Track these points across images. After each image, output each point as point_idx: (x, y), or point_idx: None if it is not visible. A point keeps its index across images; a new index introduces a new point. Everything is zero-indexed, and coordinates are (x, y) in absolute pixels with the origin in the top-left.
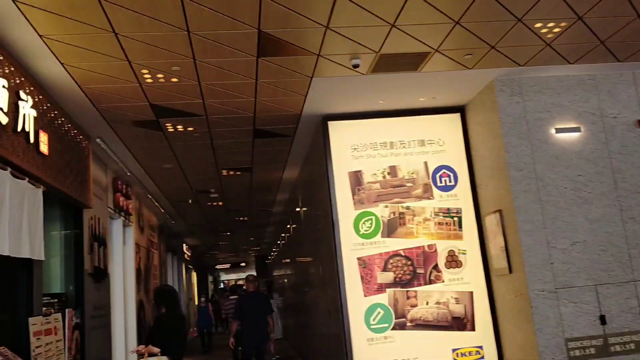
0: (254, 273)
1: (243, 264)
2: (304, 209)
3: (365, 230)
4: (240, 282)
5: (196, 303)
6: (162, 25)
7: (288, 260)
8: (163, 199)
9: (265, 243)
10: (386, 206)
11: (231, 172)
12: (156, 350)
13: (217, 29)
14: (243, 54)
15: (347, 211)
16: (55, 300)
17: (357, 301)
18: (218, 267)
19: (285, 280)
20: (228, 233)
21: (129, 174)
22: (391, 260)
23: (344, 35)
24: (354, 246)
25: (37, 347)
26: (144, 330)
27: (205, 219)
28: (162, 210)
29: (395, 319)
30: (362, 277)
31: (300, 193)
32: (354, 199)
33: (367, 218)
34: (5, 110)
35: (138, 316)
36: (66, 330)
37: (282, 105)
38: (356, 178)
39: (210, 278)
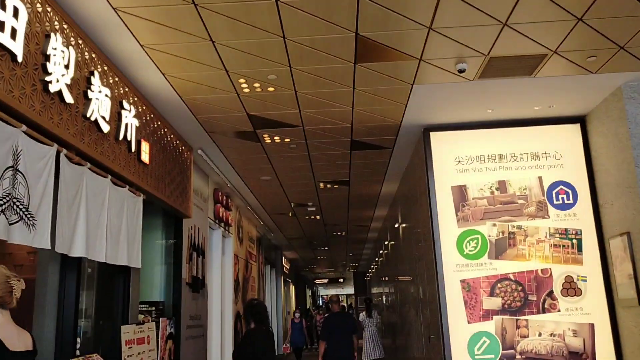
0: (352, 289)
1: (341, 280)
2: (403, 225)
3: (470, 251)
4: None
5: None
6: (258, 32)
7: (386, 279)
8: (262, 211)
9: (364, 259)
10: (494, 224)
11: (328, 185)
12: None
13: (312, 34)
14: (340, 60)
15: (450, 229)
16: (153, 308)
17: (459, 328)
18: (317, 281)
19: (384, 299)
20: (326, 248)
21: (229, 185)
22: (499, 285)
23: (449, 37)
24: (457, 267)
25: (129, 356)
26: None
27: (303, 233)
28: (262, 223)
29: (503, 350)
30: (465, 302)
31: (400, 209)
32: (457, 215)
33: (472, 237)
34: (108, 118)
35: (235, 327)
36: (159, 340)
37: (380, 114)
38: (460, 193)
39: (308, 292)
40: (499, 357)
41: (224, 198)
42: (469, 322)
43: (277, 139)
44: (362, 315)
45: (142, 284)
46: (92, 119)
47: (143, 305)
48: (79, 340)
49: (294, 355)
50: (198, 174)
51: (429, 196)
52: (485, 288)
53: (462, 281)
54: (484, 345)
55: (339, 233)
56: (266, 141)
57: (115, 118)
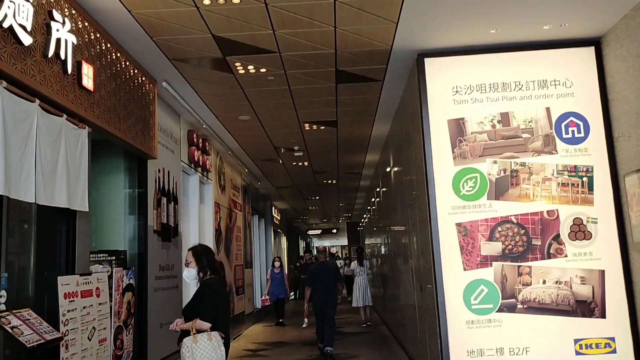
0: (346, 240)
1: (334, 231)
2: (395, 169)
3: (468, 191)
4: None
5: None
6: None
7: (378, 227)
8: (245, 156)
9: (357, 209)
10: (495, 162)
11: (314, 127)
12: (206, 325)
13: None
14: None
15: (446, 167)
16: (113, 258)
17: (455, 276)
18: (310, 233)
19: (376, 248)
20: (317, 197)
21: (205, 126)
22: (499, 228)
23: None
24: (452, 209)
25: (69, 311)
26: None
27: (292, 181)
28: (246, 170)
29: (503, 299)
30: (462, 247)
31: (392, 152)
32: (454, 152)
33: (470, 176)
34: (30, 29)
35: None
36: (114, 292)
37: (368, 37)
38: (458, 127)
39: (302, 244)
40: (498, 306)
41: (201, 141)
42: (465, 270)
43: (251, 68)
44: (354, 264)
45: (103, 232)
46: (5, 25)
47: (101, 255)
48: (3, 293)
49: (274, 308)
50: (166, 112)
51: (423, 131)
52: (483, 232)
53: (458, 225)
54: (482, 294)
55: (330, 181)
56: (239, 71)
57: (43, 30)
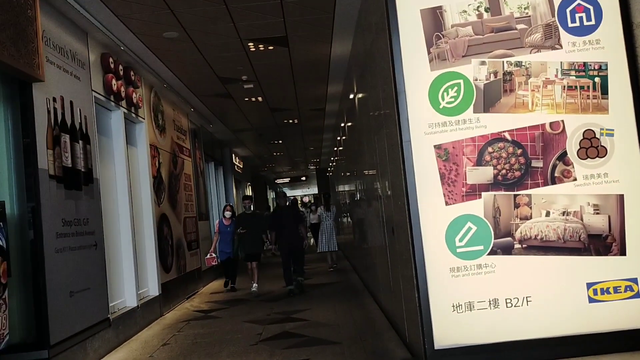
0: (316, 188)
1: (304, 178)
2: (360, 95)
3: (449, 103)
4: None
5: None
6: None
7: (346, 169)
8: (186, 91)
9: (325, 153)
10: (483, 62)
11: (261, 47)
12: None
13: None
14: None
15: (420, 74)
16: None
17: (435, 213)
18: (278, 181)
19: (346, 193)
20: (280, 141)
21: (123, 48)
22: (490, 149)
23: None
24: (429, 128)
25: None
26: (168, 248)
27: (249, 123)
28: (192, 110)
29: (496, 238)
30: (442, 176)
31: (355, 77)
32: (430, 53)
33: (451, 83)
34: None
35: (159, 232)
36: None
37: None
38: (434, 19)
39: (272, 194)
40: (489, 247)
41: (122, 68)
42: (447, 204)
43: None
44: (320, 210)
45: None
46: None
47: None
48: None
49: (224, 269)
50: (63, 26)
51: (389, 27)
52: (470, 155)
53: (437, 147)
54: (469, 233)
55: (291, 121)
56: None
57: None
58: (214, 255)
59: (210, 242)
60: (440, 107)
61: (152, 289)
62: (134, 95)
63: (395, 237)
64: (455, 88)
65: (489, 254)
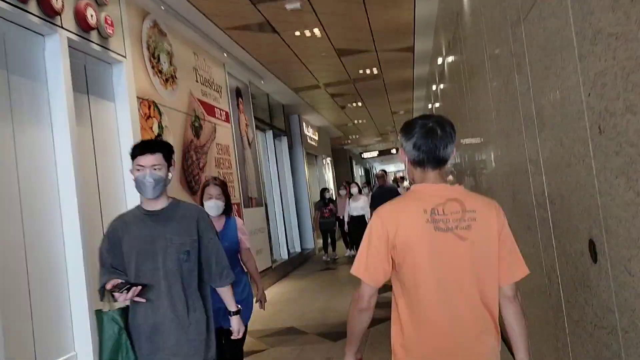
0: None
1: (394, 151)
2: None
3: None
4: (399, 175)
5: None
6: None
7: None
8: (203, 20)
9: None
10: None
11: None
12: None
13: None
14: None
15: None
16: None
17: None
18: (364, 156)
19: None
20: (359, 103)
21: None
22: None
23: None
24: None
25: None
26: None
27: (313, 76)
28: (225, 54)
29: None
30: None
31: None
32: None
33: None
34: None
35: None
36: None
37: None
38: None
39: (359, 171)
40: None
41: None
42: None
43: None
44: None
45: None
46: None
47: None
48: None
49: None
50: None
51: None
52: None
53: None
54: None
55: (369, 71)
56: None
57: None
58: None
59: (266, 235)
60: None
61: None
62: (84, 11)
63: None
64: None
65: None
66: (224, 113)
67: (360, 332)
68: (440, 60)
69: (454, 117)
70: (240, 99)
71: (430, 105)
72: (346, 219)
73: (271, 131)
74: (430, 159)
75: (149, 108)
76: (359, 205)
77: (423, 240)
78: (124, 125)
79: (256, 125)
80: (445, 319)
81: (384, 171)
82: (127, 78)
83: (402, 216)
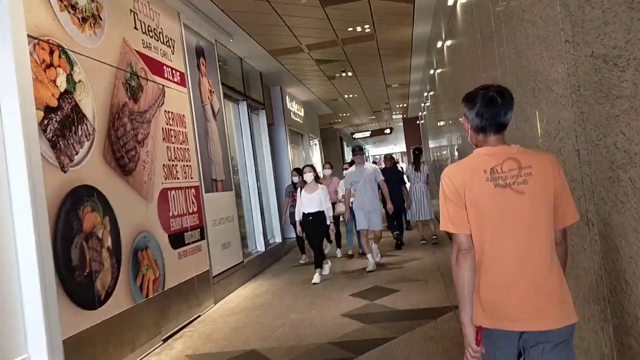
0: (403, 141)
1: (387, 131)
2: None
3: None
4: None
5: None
6: None
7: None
8: None
9: (414, 95)
10: None
11: None
12: None
13: None
14: None
15: None
16: None
17: None
18: (356, 136)
19: (442, 146)
20: (349, 73)
21: None
22: None
23: None
24: None
25: None
26: (100, 256)
27: (291, 32)
28: (179, 0)
29: None
30: None
31: None
32: None
33: None
34: None
35: (66, 228)
36: None
37: None
38: None
39: (349, 151)
40: None
41: None
42: None
43: None
44: (406, 167)
45: None
46: None
47: None
48: None
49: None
50: None
51: None
52: None
53: None
54: None
55: (359, 29)
56: None
57: None
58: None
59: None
60: None
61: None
62: None
63: None
64: None
65: None
66: (178, 74)
67: (470, 287)
68: (451, 1)
69: (472, 83)
70: (202, 59)
71: (432, 71)
72: (297, 218)
73: (245, 102)
74: (492, 125)
75: (51, 54)
76: (314, 199)
77: (486, 197)
78: (3, 75)
79: (226, 94)
80: (511, 267)
81: (392, 155)
82: (10, 6)
83: (466, 176)
